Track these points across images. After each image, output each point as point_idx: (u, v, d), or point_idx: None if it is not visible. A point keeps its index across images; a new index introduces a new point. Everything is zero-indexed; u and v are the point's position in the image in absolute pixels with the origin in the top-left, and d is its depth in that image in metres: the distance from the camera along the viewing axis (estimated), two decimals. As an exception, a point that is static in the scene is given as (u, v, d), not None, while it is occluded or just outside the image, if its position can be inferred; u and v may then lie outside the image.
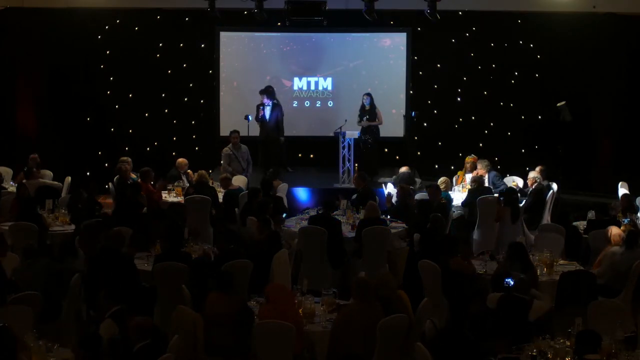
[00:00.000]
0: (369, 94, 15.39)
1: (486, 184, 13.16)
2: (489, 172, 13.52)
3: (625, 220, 10.82)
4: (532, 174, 12.89)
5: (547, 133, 16.38)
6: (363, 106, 15.28)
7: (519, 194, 12.34)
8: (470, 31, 16.96)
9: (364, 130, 15.12)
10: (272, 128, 15.08)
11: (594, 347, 6.39)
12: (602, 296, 8.50)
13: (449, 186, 12.81)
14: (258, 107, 15.08)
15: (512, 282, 7.62)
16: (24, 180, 12.95)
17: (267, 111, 15.03)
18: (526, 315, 7.35)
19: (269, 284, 8.35)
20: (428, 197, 12.05)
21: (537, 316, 7.41)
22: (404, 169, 13.63)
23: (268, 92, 15.18)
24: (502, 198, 11.88)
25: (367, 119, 15.14)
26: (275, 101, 15.20)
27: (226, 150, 14.47)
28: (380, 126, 15.40)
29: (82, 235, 9.62)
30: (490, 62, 16.94)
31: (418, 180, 14.17)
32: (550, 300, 8.52)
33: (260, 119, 15.06)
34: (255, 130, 15.42)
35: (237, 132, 14.56)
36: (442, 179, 12.72)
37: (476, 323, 7.22)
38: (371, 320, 7.08)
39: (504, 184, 13.35)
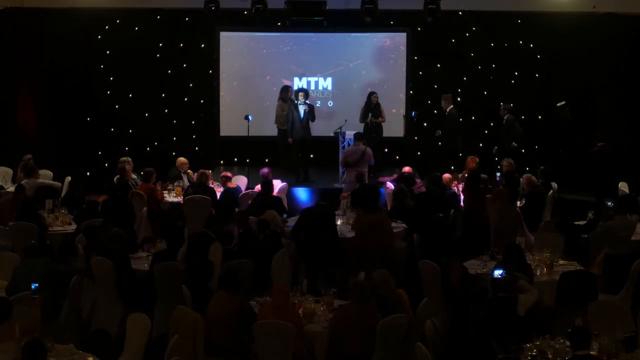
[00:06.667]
0: (375, 92, 15.52)
1: None
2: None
3: None
4: (528, 175, 12.90)
5: (547, 133, 16.36)
6: (369, 102, 15.29)
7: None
8: (470, 31, 16.95)
9: (369, 129, 15.10)
10: (307, 128, 14.96)
11: (585, 343, 6.36)
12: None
13: (450, 183, 12.79)
14: (296, 106, 14.87)
15: (499, 275, 7.57)
16: (24, 181, 12.92)
17: (302, 110, 14.92)
18: (515, 311, 7.30)
19: (269, 283, 8.35)
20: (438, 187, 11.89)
21: (525, 308, 7.32)
22: (405, 169, 13.65)
23: (306, 92, 15.19)
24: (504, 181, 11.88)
25: (372, 117, 15.17)
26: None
27: None
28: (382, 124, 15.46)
29: None
30: (490, 62, 16.93)
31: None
32: (537, 292, 8.46)
33: (294, 118, 14.81)
34: (255, 131, 15.37)
35: None
36: (444, 176, 12.74)
37: (475, 324, 7.19)
38: (367, 321, 7.10)
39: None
